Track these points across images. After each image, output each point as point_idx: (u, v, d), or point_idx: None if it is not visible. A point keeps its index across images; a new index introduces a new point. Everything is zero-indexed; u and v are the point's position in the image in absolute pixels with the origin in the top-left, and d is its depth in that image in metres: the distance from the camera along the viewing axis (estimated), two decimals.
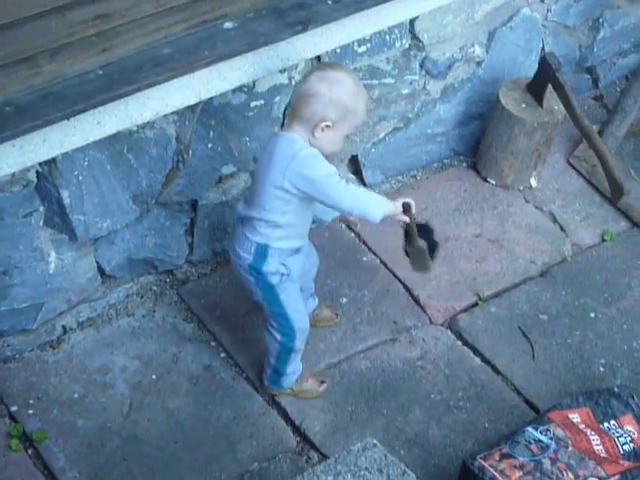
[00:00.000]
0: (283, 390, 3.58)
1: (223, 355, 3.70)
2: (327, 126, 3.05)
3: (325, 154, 3.12)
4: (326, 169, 3.06)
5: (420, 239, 3.36)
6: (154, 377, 3.60)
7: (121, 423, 3.47)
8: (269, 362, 3.51)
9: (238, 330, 3.76)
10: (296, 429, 3.53)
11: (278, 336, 3.41)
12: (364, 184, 4.30)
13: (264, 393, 3.61)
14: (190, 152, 3.61)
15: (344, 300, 3.90)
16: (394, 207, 3.16)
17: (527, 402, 3.68)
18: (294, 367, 3.52)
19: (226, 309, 3.82)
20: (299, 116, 3.07)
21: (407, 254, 3.45)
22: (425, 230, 3.39)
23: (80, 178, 3.35)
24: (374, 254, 4.06)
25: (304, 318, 3.44)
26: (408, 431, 3.55)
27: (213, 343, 3.74)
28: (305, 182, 3.04)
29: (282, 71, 3.62)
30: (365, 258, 4.05)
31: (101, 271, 3.70)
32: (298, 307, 3.40)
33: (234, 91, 3.55)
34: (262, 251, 3.23)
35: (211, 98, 3.49)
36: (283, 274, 3.27)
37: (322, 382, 3.64)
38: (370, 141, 4.16)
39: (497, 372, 3.76)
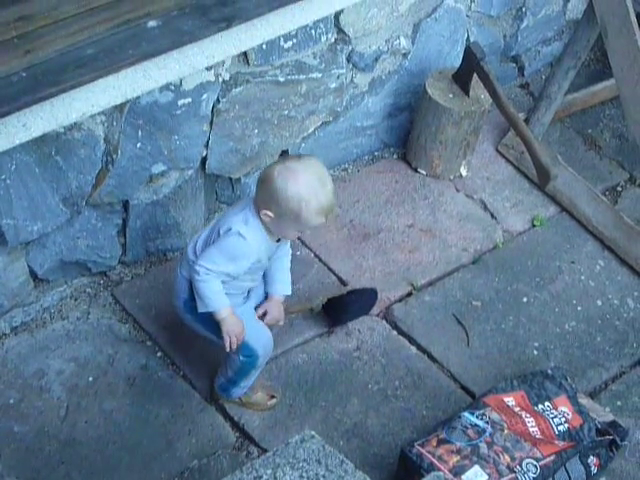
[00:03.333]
0: (231, 399, 3.57)
1: (160, 354, 3.70)
2: (269, 216, 3.08)
3: (277, 237, 3.22)
4: (214, 260, 3.12)
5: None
6: (90, 379, 3.58)
7: (58, 427, 3.44)
8: (225, 372, 3.47)
9: (174, 329, 3.74)
10: (235, 425, 3.53)
11: (240, 357, 3.37)
12: None
13: (212, 399, 3.60)
14: (119, 152, 3.59)
15: None
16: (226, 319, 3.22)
17: (463, 388, 3.73)
18: (249, 381, 3.50)
19: (161, 308, 3.81)
20: (256, 192, 3.13)
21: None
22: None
23: (8, 182, 3.32)
24: (308, 248, 4.08)
25: (264, 333, 3.39)
26: (347, 422, 3.57)
27: (149, 343, 3.73)
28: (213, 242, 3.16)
29: (208, 68, 3.62)
30: (299, 252, 4.06)
31: (33, 275, 3.67)
32: (256, 330, 3.36)
33: (161, 90, 3.53)
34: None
35: (138, 97, 3.47)
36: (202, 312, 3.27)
37: (272, 397, 3.60)
38: (300, 136, 4.17)
39: (433, 360, 3.81)
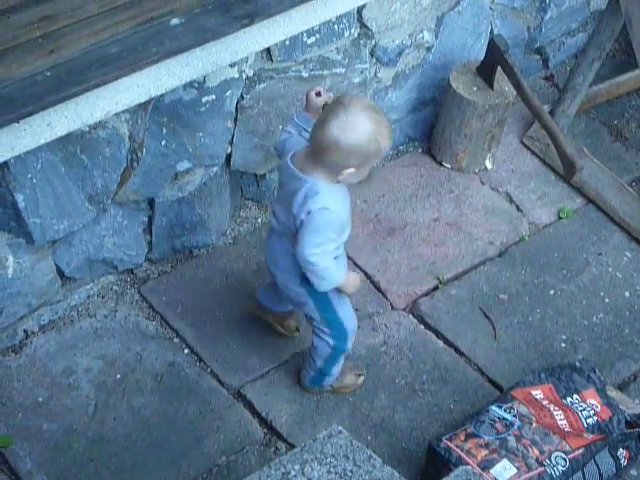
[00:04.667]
0: (323, 388, 3.60)
1: (187, 351, 3.71)
2: (350, 172, 3.03)
3: (354, 183, 3.15)
4: (317, 244, 3.07)
5: None
6: (118, 376, 3.60)
7: (87, 424, 3.46)
8: (314, 364, 3.50)
9: (201, 326, 3.76)
10: (263, 421, 3.54)
11: (331, 341, 3.40)
12: None
13: (304, 390, 3.62)
14: (144, 150, 3.61)
15: None
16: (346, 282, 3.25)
17: (490, 381, 3.72)
18: (339, 366, 3.52)
19: (188, 305, 3.82)
20: (321, 163, 3.01)
21: None
22: None
23: (34, 181, 3.33)
24: None
25: (354, 319, 3.45)
26: (374, 417, 3.57)
27: (176, 340, 3.74)
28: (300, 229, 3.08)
29: (232, 65, 3.62)
30: None
31: (60, 273, 3.69)
32: (348, 310, 3.42)
33: (185, 87, 3.55)
34: None
35: (162, 95, 3.48)
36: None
37: (359, 375, 3.65)
38: None
39: (460, 353, 3.80)
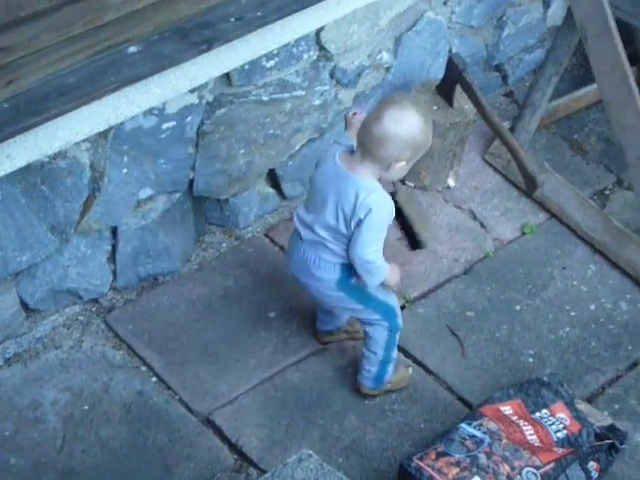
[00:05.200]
0: (384, 388, 3.64)
1: (154, 379, 3.68)
2: (401, 166, 3.16)
3: (392, 180, 3.36)
4: (378, 240, 3.22)
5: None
6: (86, 408, 3.56)
7: (55, 457, 3.42)
8: (374, 357, 3.55)
9: (168, 353, 3.74)
10: (233, 447, 3.51)
11: (385, 323, 3.48)
12: (284, 197, 4.32)
13: (365, 396, 3.66)
14: (105, 179, 3.59)
15: (272, 314, 3.91)
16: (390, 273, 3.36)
17: (460, 399, 3.72)
18: (396, 350, 3.60)
19: (154, 333, 3.80)
20: (373, 156, 3.14)
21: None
22: None
23: None
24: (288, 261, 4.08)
25: (393, 294, 3.52)
26: (345, 438, 3.56)
27: (144, 368, 3.72)
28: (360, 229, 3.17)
29: (191, 91, 3.62)
30: None
31: (24, 305, 3.66)
32: (386, 289, 3.48)
33: (144, 114, 3.54)
34: (347, 267, 3.31)
35: (122, 123, 3.47)
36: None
37: (406, 367, 3.75)
38: (286, 154, 4.18)
39: (429, 372, 3.80)
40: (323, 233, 3.26)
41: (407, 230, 3.80)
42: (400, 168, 3.19)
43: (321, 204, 3.25)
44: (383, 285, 3.43)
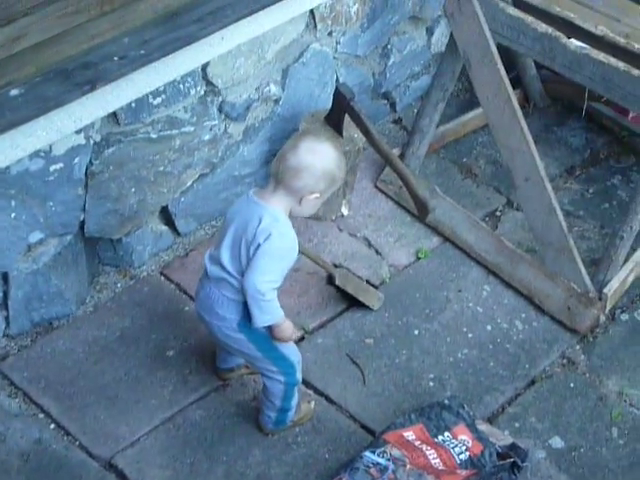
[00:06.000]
0: (287, 426, 3.60)
1: (53, 426, 3.61)
2: (314, 197, 3.15)
3: (303, 216, 3.36)
4: (273, 271, 3.17)
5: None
6: None
7: None
8: (272, 406, 3.51)
9: (66, 399, 3.68)
10: None
11: (282, 377, 3.43)
12: (178, 234, 4.29)
13: (267, 434, 3.62)
14: None
15: (171, 353, 3.87)
16: (285, 323, 3.31)
17: (363, 427, 3.72)
18: (297, 398, 3.54)
19: (51, 379, 3.73)
20: (287, 187, 3.13)
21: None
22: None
23: None
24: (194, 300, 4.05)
25: (296, 350, 3.48)
26: (250, 474, 3.53)
27: (41, 415, 3.64)
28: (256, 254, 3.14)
29: (78, 132, 3.59)
30: (187, 308, 4.03)
31: None
32: (289, 343, 3.44)
33: (31, 157, 3.49)
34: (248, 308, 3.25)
35: (8, 167, 3.42)
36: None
37: (309, 401, 3.70)
38: (178, 190, 4.16)
39: (331, 402, 3.80)
40: (228, 266, 3.23)
41: (356, 302, 4.08)
42: (313, 201, 3.18)
43: (227, 235, 3.23)
44: (288, 345, 3.41)
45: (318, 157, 3.12)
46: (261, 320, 3.23)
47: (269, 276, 3.17)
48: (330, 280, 4.09)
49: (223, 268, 3.24)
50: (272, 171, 3.19)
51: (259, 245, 3.13)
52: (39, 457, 3.50)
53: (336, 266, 4.12)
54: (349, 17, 4.51)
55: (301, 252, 3.62)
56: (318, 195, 3.18)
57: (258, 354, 3.38)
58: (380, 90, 5.03)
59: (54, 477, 3.45)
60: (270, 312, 3.22)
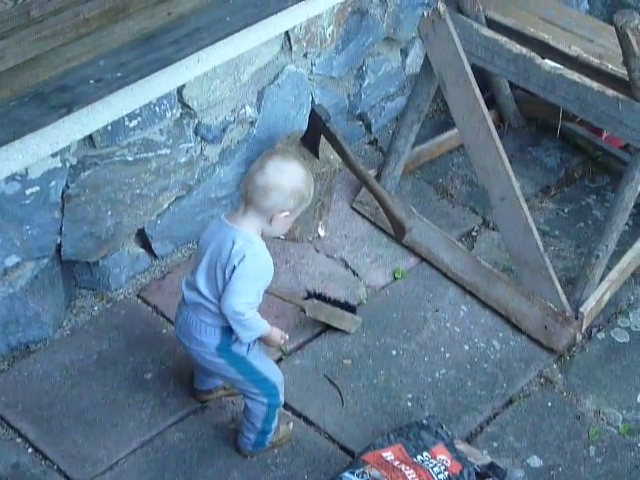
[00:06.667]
0: (265, 447, 3.60)
1: (30, 450, 3.59)
2: (284, 216, 3.15)
3: (274, 236, 3.40)
4: (249, 292, 3.18)
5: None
6: None
7: None
8: (252, 428, 3.51)
9: (43, 423, 3.65)
10: None
11: (264, 399, 3.43)
12: (155, 257, 4.29)
13: (246, 457, 3.62)
14: None
15: (149, 375, 3.86)
16: (272, 331, 3.36)
17: (342, 448, 3.72)
18: (277, 420, 3.54)
19: (28, 403, 3.71)
20: (257, 206, 3.14)
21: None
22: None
23: None
24: (173, 325, 4.03)
25: (278, 371, 3.50)
26: None
27: (19, 440, 3.62)
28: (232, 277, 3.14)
29: (54, 155, 3.58)
30: (165, 330, 4.02)
31: None
32: (270, 365, 3.48)
33: (7, 181, 3.49)
34: (226, 331, 3.25)
35: None
36: (249, 343, 3.31)
37: (287, 423, 3.70)
38: (154, 213, 4.16)
39: (309, 423, 3.79)
40: (204, 291, 3.23)
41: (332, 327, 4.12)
42: (283, 220, 3.19)
43: (202, 260, 3.24)
44: (263, 359, 3.42)
45: (286, 176, 3.13)
46: (246, 337, 3.25)
47: (246, 298, 3.18)
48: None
49: (200, 293, 3.25)
50: (241, 192, 3.20)
51: (234, 268, 3.13)
52: None
53: (309, 295, 4.09)
54: (324, 38, 4.53)
55: (269, 293, 3.65)
56: (288, 213, 3.18)
57: (239, 377, 3.38)
58: (355, 111, 5.05)
59: None
60: (253, 328, 3.25)
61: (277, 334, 3.39)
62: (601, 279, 4.21)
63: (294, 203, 3.17)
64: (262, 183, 3.12)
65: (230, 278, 3.15)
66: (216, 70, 4.02)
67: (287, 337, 3.46)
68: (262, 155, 3.27)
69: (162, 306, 4.11)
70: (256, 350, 3.38)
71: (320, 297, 4.08)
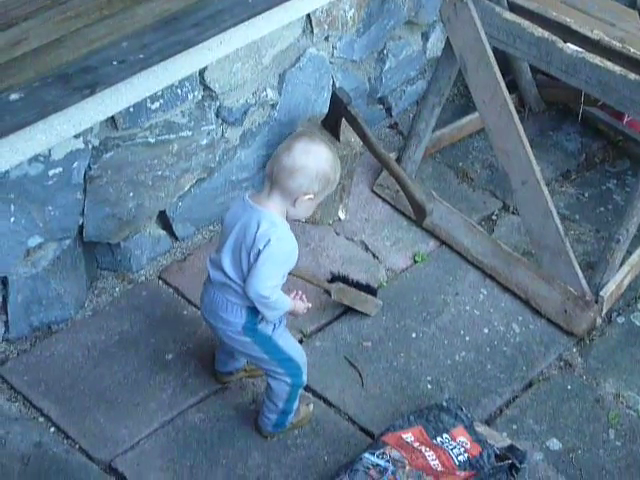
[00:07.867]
0: (285, 428, 3.62)
1: (53, 430, 3.62)
2: (309, 199, 3.14)
3: (299, 219, 3.37)
4: (274, 275, 3.18)
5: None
6: None
7: None
8: (274, 408, 3.53)
9: (66, 402, 3.68)
10: None
11: (288, 379, 3.45)
12: (176, 239, 4.31)
13: (266, 438, 3.65)
14: None
15: (170, 356, 3.88)
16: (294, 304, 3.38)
17: (362, 429, 3.74)
18: (297, 401, 3.56)
19: (51, 383, 3.74)
20: (282, 188, 3.13)
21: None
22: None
23: None
24: (195, 306, 4.05)
25: (302, 351, 3.51)
26: (249, 476, 3.55)
27: (41, 419, 3.65)
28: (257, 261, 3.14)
29: (77, 136, 3.60)
30: (186, 312, 4.05)
31: None
32: (295, 345, 3.49)
33: (30, 162, 3.50)
34: (252, 311, 3.26)
35: (7, 172, 3.43)
36: (275, 323, 3.33)
37: (307, 404, 3.72)
38: (176, 195, 4.17)
39: (329, 404, 3.81)
40: (230, 272, 3.23)
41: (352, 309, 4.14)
42: (307, 203, 3.17)
43: (227, 241, 3.24)
44: (288, 339, 3.44)
45: (312, 158, 3.12)
46: (272, 316, 3.27)
47: (271, 281, 3.18)
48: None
49: (225, 274, 3.25)
50: (267, 172, 3.19)
51: (259, 251, 3.13)
52: (39, 461, 3.51)
53: (333, 278, 4.11)
54: (345, 22, 4.53)
55: (294, 275, 3.65)
56: (312, 196, 3.17)
57: (264, 356, 3.40)
58: (376, 95, 5.05)
59: None
60: (278, 307, 3.25)
61: (300, 306, 3.42)
62: (621, 263, 4.21)
63: (319, 186, 3.15)
64: (288, 164, 3.10)
65: (255, 261, 3.15)
66: (238, 53, 4.02)
67: (309, 305, 3.48)
68: (290, 136, 3.27)
69: (183, 288, 4.13)
70: (281, 330, 3.39)
71: (344, 279, 4.09)
